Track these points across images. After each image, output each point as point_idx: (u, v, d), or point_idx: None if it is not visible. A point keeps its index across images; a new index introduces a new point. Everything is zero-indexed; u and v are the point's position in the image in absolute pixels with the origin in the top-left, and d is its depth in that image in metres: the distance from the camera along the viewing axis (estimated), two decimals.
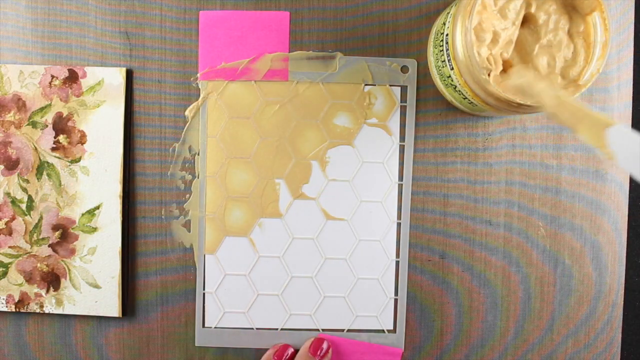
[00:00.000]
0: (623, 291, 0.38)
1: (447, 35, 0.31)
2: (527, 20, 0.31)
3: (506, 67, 0.32)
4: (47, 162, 0.37)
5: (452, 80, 0.33)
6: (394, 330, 0.38)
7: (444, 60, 0.32)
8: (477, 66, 0.29)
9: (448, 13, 0.32)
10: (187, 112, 0.38)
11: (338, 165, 0.37)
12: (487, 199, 0.38)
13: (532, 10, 0.31)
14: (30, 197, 0.38)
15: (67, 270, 0.38)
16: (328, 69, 0.37)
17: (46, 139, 0.37)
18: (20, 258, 0.38)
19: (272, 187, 0.38)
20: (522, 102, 0.29)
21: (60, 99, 0.37)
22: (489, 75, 0.31)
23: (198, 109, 0.38)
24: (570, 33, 0.31)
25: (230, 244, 0.38)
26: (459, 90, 0.32)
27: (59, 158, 0.37)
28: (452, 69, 0.32)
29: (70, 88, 0.37)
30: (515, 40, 0.31)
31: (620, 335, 0.38)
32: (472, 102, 0.32)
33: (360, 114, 0.37)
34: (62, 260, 0.38)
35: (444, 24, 0.32)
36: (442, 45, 0.32)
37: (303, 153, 0.37)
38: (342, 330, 0.38)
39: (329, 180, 0.38)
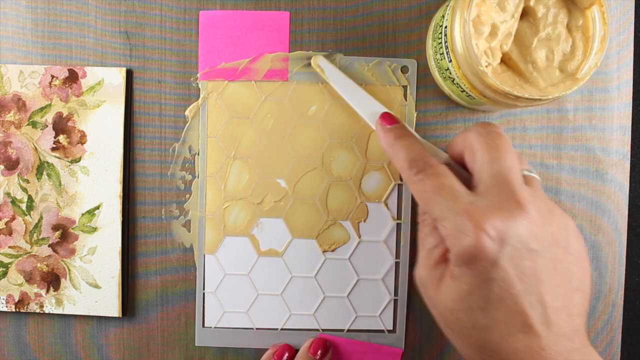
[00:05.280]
0: (623, 291, 0.38)
1: (445, 27, 0.31)
2: (526, 13, 0.31)
3: (505, 59, 0.32)
4: (47, 162, 0.37)
5: (450, 73, 0.33)
6: (394, 330, 0.38)
7: (443, 53, 0.32)
8: (475, 58, 0.29)
9: (447, 5, 0.32)
10: (187, 112, 0.38)
11: (338, 165, 0.37)
12: None
13: (531, 3, 0.31)
14: (30, 197, 0.38)
15: (67, 270, 0.38)
16: None
17: (46, 139, 0.37)
18: (20, 258, 0.38)
19: (272, 187, 0.38)
20: (519, 94, 0.29)
21: (60, 99, 0.37)
22: (486, 67, 0.31)
23: (198, 109, 0.38)
24: (569, 27, 0.31)
25: (230, 244, 0.38)
26: (457, 83, 0.32)
27: (59, 158, 0.37)
28: (450, 61, 0.32)
29: (70, 88, 0.37)
30: (514, 33, 0.31)
31: (620, 335, 0.38)
32: (470, 95, 0.32)
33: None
34: (62, 260, 0.38)
35: (443, 16, 0.32)
36: (441, 38, 0.32)
37: (303, 153, 0.37)
38: (342, 330, 0.38)
39: (329, 180, 0.37)
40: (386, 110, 0.32)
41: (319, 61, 0.36)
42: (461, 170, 0.29)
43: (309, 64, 0.37)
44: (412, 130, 0.31)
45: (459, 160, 0.29)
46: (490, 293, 0.25)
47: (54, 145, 0.37)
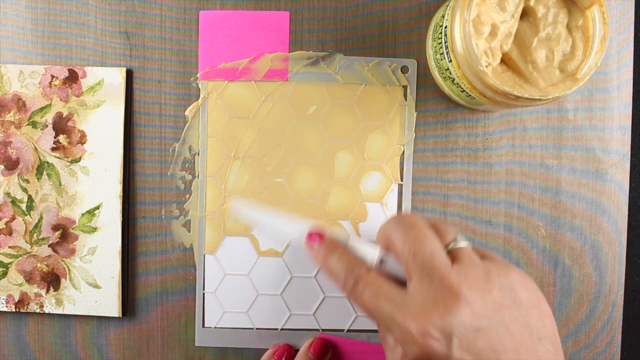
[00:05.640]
0: (623, 291, 0.38)
1: (445, 27, 0.31)
2: (526, 13, 0.31)
3: (505, 59, 0.32)
4: (47, 162, 0.37)
5: (450, 73, 0.33)
6: None
7: (443, 53, 0.32)
8: (475, 58, 0.29)
9: (447, 5, 0.32)
10: (187, 112, 0.38)
11: (338, 165, 0.37)
12: (487, 199, 0.38)
13: (531, 3, 0.31)
14: (30, 197, 0.38)
15: (67, 270, 0.38)
16: (328, 69, 0.37)
17: (46, 139, 0.37)
18: (20, 258, 0.38)
19: (272, 187, 0.38)
20: (519, 94, 0.29)
21: (60, 99, 0.37)
22: (486, 67, 0.31)
23: (198, 109, 0.38)
24: (569, 27, 0.31)
25: (230, 244, 0.38)
26: (457, 83, 0.32)
27: (59, 158, 0.37)
28: (450, 61, 0.32)
29: (70, 88, 0.37)
30: (514, 33, 0.31)
31: (620, 335, 0.38)
32: (470, 95, 0.32)
33: (359, 114, 0.37)
34: (62, 260, 0.38)
35: (443, 16, 0.32)
36: (441, 38, 0.32)
37: (303, 153, 0.37)
38: (342, 330, 0.38)
39: (329, 180, 0.38)
40: (309, 227, 0.31)
41: (232, 209, 0.37)
42: (395, 261, 0.28)
43: (309, 64, 0.37)
44: (341, 235, 0.30)
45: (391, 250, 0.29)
46: None
47: (54, 145, 0.37)
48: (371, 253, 0.29)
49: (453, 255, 0.27)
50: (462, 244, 0.27)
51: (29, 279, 0.38)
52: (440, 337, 0.24)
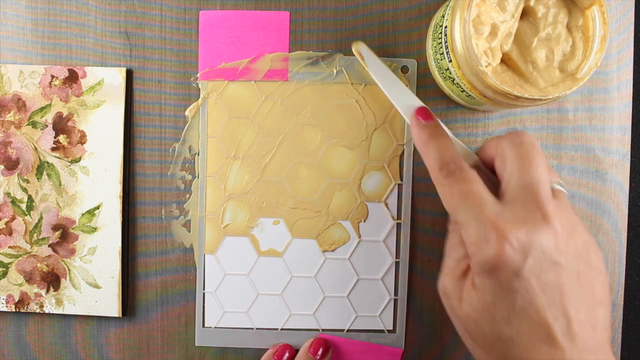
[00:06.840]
0: (623, 291, 0.38)
1: (445, 27, 0.31)
2: (526, 13, 0.31)
3: (505, 59, 0.32)
4: (47, 162, 0.37)
5: (450, 73, 0.33)
6: (394, 330, 0.38)
7: (442, 53, 0.32)
8: (475, 58, 0.29)
9: (447, 5, 0.32)
10: (187, 112, 0.38)
11: (338, 165, 0.37)
12: None
13: (531, 3, 0.31)
14: (30, 197, 0.38)
15: (67, 270, 0.38)
16: (328, 69, 0.37)
17: (46, 139, 0.37)
18: (20, 258, 0.38)
19: (272, 187, 0.38)
20: (519, 94, 0.29)
21: (60, 99, 0.37)
22: (486, 67, 0.31)
23: (198, 109, 0.38)
24: (569, 27, 0.31)
25: (230, 244, 0.38)
26: (457, 83, 0.32)
27: (59, 158, 0.37)
28: (450, 61, 0.32)
29: (70, 88, 0.37)
30: (514, 33, 0.31)
31: (620, 335, 0.38)
32: (469, 95, 0.32)
33: (360, 114, 0.37)
34: (62, 260, 0.38)
35: (443, 16, 0.32)
36: (441, 38, 0.32)
37: (303, 153, 0.37)
38: (342, 330, 0.38)
39: (329, 180, 0.38)
40: (422, 104, 0.32)
41: (360, 48, 0.35)
42: (490, 174, 0.29)
43: (309, 64, 0.37)
44: (446, 129, 0.30)
45: (488, 164, 0.29)
46: (514, 304, 0.24)
47: (54, 145, 0.37)
48: (468, 157, 0.29)
49: (554, 193, 0.27)
50: (563, 188, 0.28)
51: (29, 279, 0.38)
52: (518, 249, 0.24)
